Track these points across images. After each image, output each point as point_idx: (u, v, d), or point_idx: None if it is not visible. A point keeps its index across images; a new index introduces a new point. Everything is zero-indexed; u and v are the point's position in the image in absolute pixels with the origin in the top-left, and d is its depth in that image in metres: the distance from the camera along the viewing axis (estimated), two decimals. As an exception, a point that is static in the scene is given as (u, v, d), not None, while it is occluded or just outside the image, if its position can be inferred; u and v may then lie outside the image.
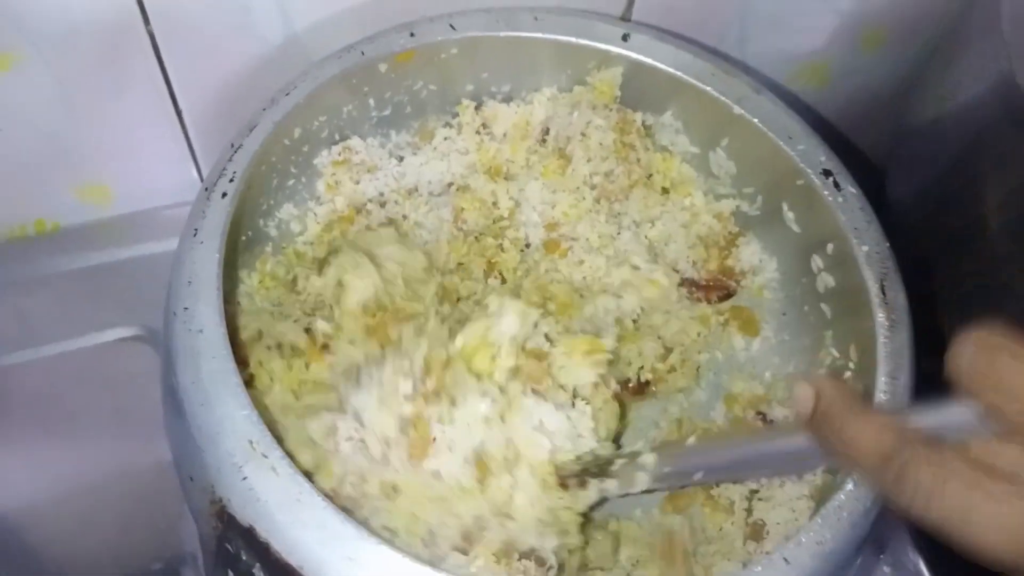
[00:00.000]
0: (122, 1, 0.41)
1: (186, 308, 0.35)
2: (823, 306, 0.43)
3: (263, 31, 0.45)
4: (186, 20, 0.43)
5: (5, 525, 0.44)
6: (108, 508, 0.45)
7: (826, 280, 0.42)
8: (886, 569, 0.46)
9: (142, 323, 0.47)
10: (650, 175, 0.47)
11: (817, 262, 0.43)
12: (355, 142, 0.46)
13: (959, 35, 0.56)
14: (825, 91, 0.59)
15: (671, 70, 0.43)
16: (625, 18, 0.49)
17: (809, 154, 0.41)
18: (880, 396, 0.35)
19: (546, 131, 0.46)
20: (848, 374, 0.40)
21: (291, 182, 0.44)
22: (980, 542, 0.25)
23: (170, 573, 0.44)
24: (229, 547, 0.31)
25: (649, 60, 0.43)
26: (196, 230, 0.37)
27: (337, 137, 0.45)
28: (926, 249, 0.50)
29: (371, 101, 0.45)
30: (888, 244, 0.39)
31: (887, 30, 0.55)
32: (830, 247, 0.41)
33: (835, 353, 0.41)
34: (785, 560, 0.31)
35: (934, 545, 0.48)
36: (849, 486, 0.33)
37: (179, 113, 0.47)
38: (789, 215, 0.44)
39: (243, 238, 0.42)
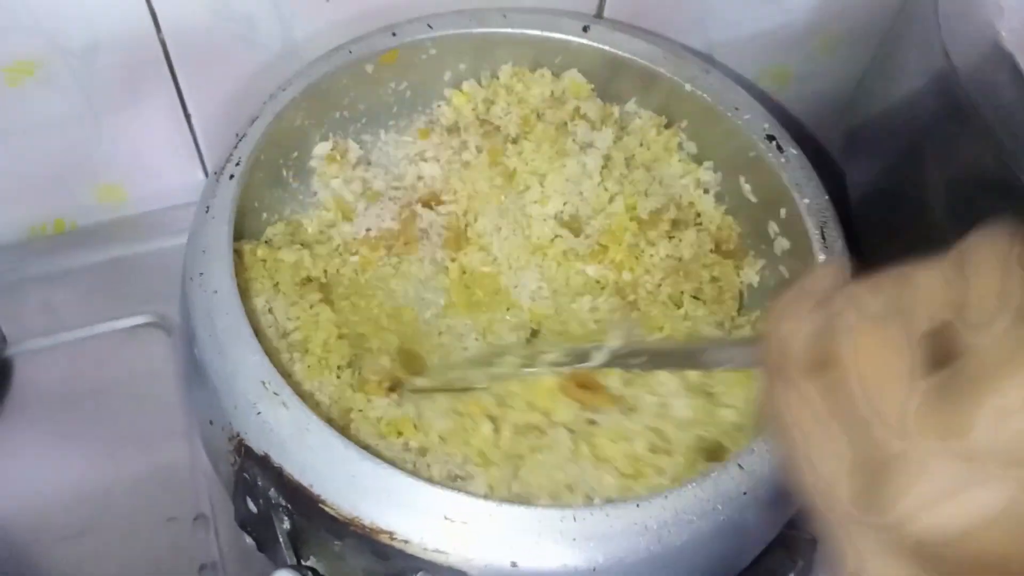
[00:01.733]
0: (138, 16, 0.45)
1: (201, 273, 0.39)
2: (781, 268, 0.46)
3: (264, 40, 0.48)
4: (196, 32, 0.46)
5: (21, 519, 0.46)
6: (122, 488, 0.47)
7: (782, 244, 0.45)
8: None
9: (155, 311, 0.51)
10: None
11: (773, 227, 0.46)
12: (349, 143, 0.49)
13: (901, 34, 0.59)
14: (788, 92, 0.61)
15: (628, 55, 0.46)
16: (597, 16, 0.52)
17: (753, 123, 0.44)
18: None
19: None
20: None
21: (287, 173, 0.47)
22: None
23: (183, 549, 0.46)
24: (247, 476, 0.35)
25: (607, 47, 0.47)
26: (208, 207, 0.41)
27: (330, 135, 0.48)
28: (881, 241, 0.54)
29: (361, 106, 0.48)
30: (827, 197, 0.42)
31: (839, 35, 0.58)
32: (783, 211, 0.44)
33: (791, 312, 0.45)
34: (740, 466, 0.34)
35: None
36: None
37: (188, 118, 0.51)
38: (746, 187, 0.47)
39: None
